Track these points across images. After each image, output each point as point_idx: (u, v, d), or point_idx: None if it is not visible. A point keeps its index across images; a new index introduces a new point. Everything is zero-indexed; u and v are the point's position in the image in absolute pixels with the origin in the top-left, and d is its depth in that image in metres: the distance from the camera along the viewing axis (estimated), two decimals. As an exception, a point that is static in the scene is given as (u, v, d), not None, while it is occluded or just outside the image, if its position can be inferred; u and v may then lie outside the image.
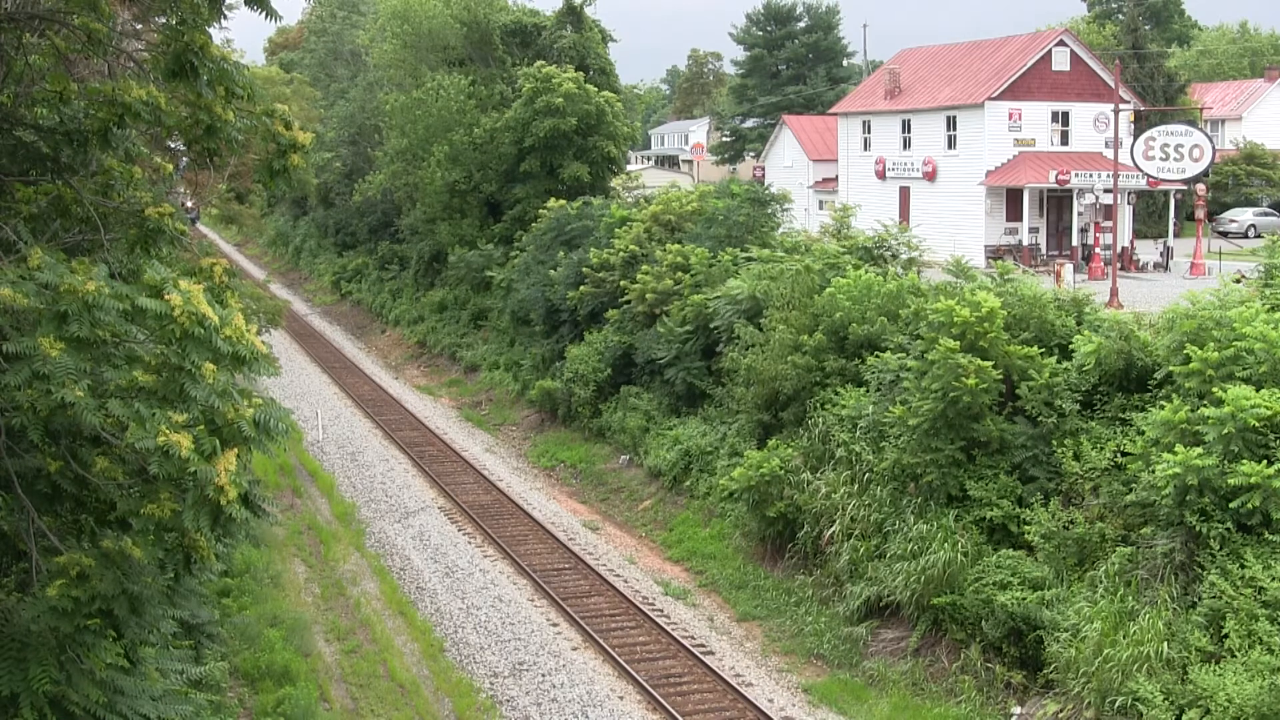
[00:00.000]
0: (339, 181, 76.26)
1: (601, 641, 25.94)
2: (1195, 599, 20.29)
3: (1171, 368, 22.66)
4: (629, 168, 66.23)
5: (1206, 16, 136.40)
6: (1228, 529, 20.02)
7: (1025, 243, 48.48)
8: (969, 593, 23.29)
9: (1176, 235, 50.63)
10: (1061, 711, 20.85)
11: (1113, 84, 42.73)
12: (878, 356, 28.49)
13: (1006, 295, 26.28)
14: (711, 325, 36.14)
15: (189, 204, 68.47)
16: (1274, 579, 19.07)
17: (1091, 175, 46.37)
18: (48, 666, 11.00)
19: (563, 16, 61.78)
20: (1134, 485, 21.78)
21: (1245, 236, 56.96)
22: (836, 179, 61.57)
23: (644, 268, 40.59)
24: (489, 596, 29.22)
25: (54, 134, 12.73)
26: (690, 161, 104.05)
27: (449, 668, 25.36)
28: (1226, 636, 19.26)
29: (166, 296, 10.28)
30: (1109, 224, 44.27)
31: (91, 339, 10.21)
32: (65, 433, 11.06)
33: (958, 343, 24.23)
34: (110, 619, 10.98)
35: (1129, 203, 49.48)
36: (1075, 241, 47.84)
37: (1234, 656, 18.89)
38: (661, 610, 27.99)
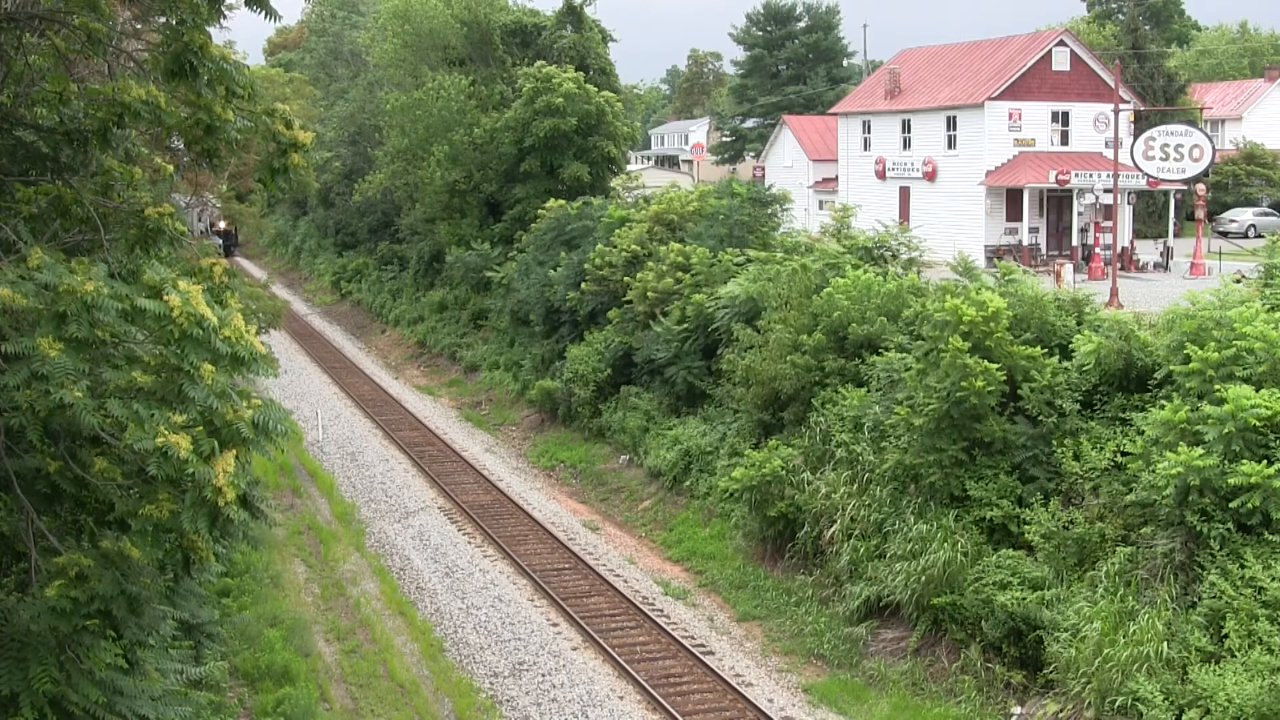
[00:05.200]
0: (339, 181, 76.30)
1: (601, 641, 25.94)
2: (1195, 599, 20.29)
3: (1171, 368, 22.66)
4: (629, 168, 66.22)
5: (1206, 16, 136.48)
6: (1228, 529, 20.01)
7: (1025, 243, 48.48)
8: (969, 593, 23.28)
9: (1176, 235, 50.62)
10: (1061, 711, 20.85)
11: (1113, 84, 42.72)
12: (880, 355, 28.48)
13: (1009, 295, 26.28)
14: (711, 326, 36.14)
15: (222, 225, 66.60)
16: (1274, 579, 19.07)
17: (1091, 175, 46.36)
18: (48, 666, 11.00)
19: (563, 16, 61.78)
20: (1134, 485, 21.77)
21: (1245, 236, 56.96)
22: (836, 179, 61.58)
23: (648, 265, 40.57)
24: (489, 596, 29.21)
25: (54, 134, 12.73)
26: (690, 161, 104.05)
27: (449, 668, 25.36)
28: (1226, 636, 19.26)
29: (165, 297, 10.28)
30: (1109, 224, 44.26)
31: (90, 339, 10.21)
32: (64, 433, 11.05)
33: (965, 344, 24.23)
34: (109, 619, 10.98)
35: (1129, 203, 49.48)
36: (1075, 241, 47.84)
37: (1234, 656, 18.88)
38: (661, 610, 27.98)
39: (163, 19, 12.39)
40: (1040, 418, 24.26)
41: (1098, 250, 44.41)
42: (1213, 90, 75.48)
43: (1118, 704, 19.63)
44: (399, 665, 25.28)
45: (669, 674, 24.58)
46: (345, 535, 34.04)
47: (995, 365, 24.10)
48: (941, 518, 24.66)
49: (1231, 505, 19.73)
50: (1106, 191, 43.64)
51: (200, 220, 61.21)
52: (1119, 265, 40.78)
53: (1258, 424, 20.05)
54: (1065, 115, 50.39)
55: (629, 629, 26.86)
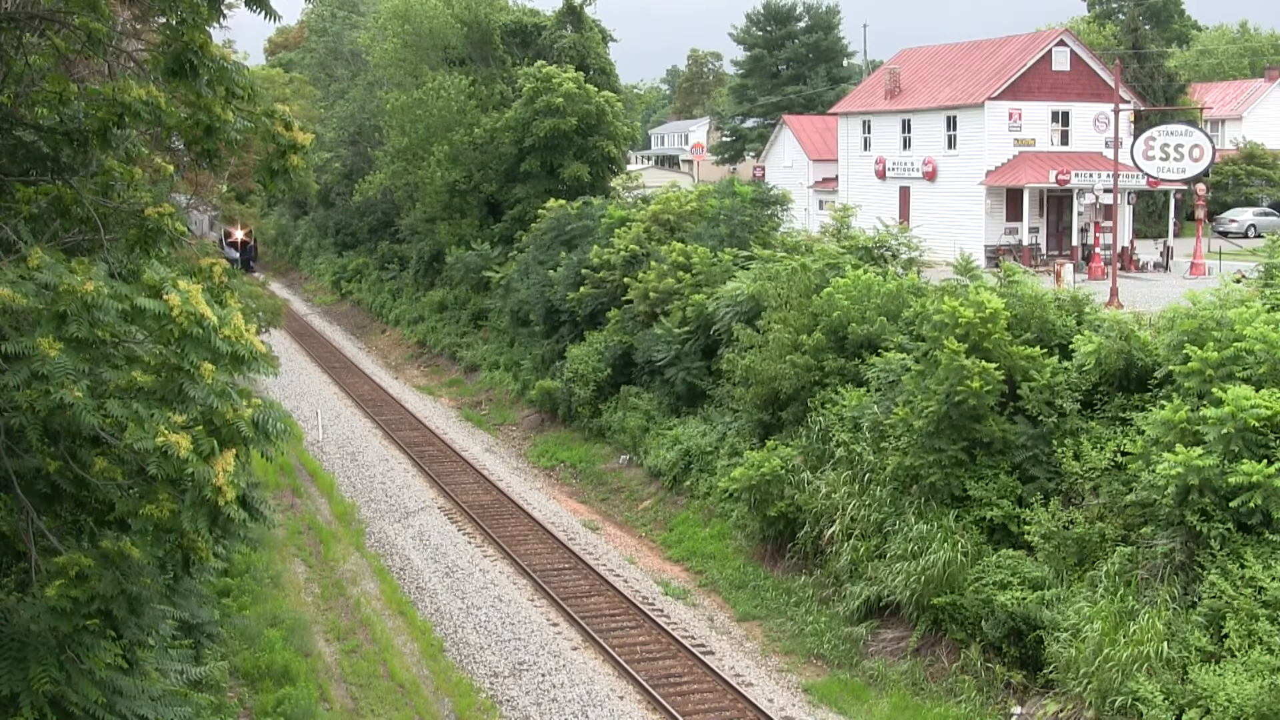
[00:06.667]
0: (339, 181, 76.29)
1: (601, 641, 25.94)
2: (1195, 599, 20.29)
3: (1171, 367, 22.66)
4: (629, 168, 66.22)
5: (1206, 16, 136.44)
6: (1228, 529, 20.01)
7: (1025, 243, 48.48)
8: (969, 593, 23.28)
9: (1176, 235, 50.63)
10: (1061, 711, 20.85)
11: (1113, 84, 42.71)
12: (879, 355, 28.48)
13: (1008, 296, 26.28)
14: (712, 326, 36.13)
15: (239, 235, 64.68)
16: (1274, 579, 19.07)
17: (1091, 175, 46.36)
18: (48, 666, 10.99)
19: (563, 16, 61.80)
20: (1134, 485, 21.77)
21: (1245, 236, 56.96)
22: (836, 179, 61.57)
23: (650, 264, 40.58)
24: (489, 596, 29.21)
25: (54, 134, 12.73)
26: (690, 161, 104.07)
27: (449, 668, 25.36)
28: (1226, 636, 19.26)
29: (165, 296, 10.27)
30: (1109, 224, 44.26)
31: (90, 339, 10.20)
32: (64, 433, 11.04)
33: (962, 345, 24.23)
34: (109, 619, 10.98)
35: (1129, 203, 49.47)
36: (1075, 241, 47.83)
37: (1234, 656, 18.89)
38: (661, 610, 27.98)
39: (163, 19, 12.38)
40: (1040, 418, 24.26)
41: (1098, 250, 44.41)
42: (1213, 90, 75.47)
43: (1118, 704, 19.63)
44: (399, 665, 25.28)
45: (669, 674, 24.59)
46: (345, 535, 34.04)
47: (994, 365, 24.10)
48: (941, 518, 24.66)
49: (1232, 505, 19.73)
50: (1106, 191, 43.64)
51: (212, 229, 59.96)
52: (1119, 265, 40.78)
53: (1257, 424, 20.04)
54: (1065, 115, 50.39)
55: (629, 629, 26.86)
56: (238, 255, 61.82)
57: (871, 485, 27.04)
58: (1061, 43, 50.74)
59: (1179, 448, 20.35)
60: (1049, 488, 23.96)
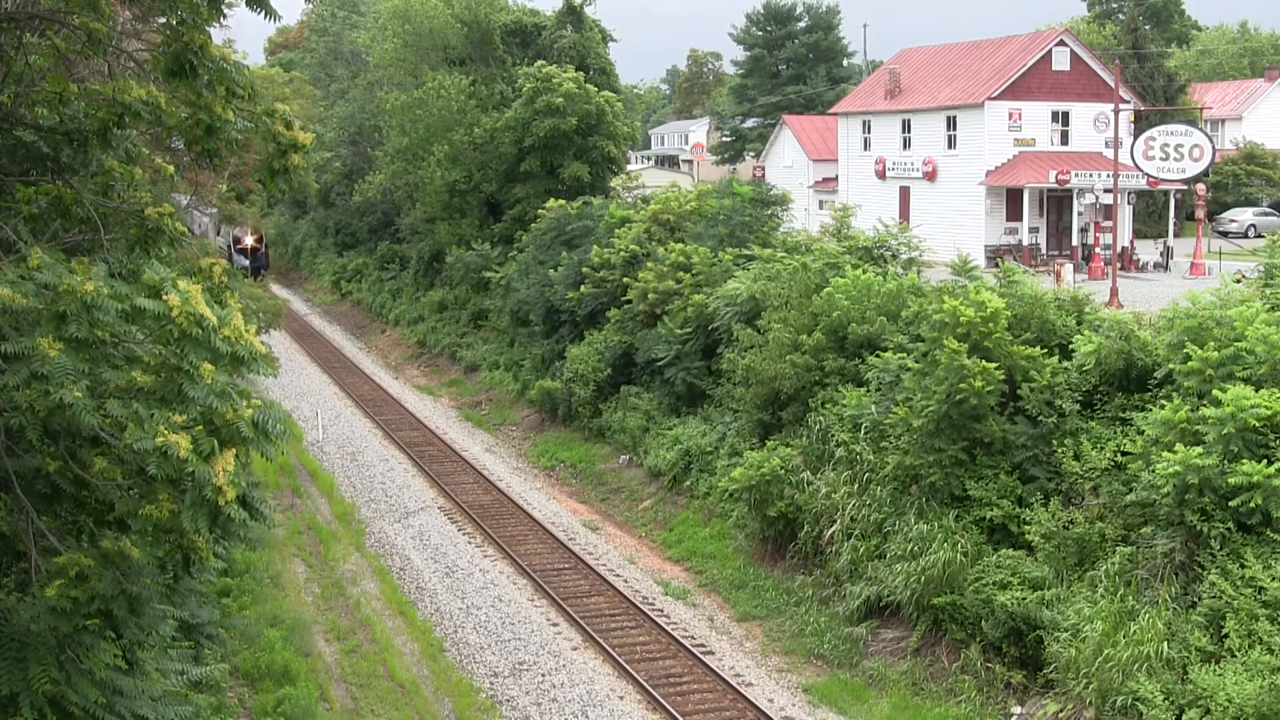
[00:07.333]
0: (339, 181, 76.29)
1: (601, 641, 25.94)
2: (1195, 599, 20.29)
3: (1171, 367, 22.66)
4: (629, 168, 66.22)
5: (1206, 16, 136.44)
6: (1228, 529, 20.01)
7: (1025, 243, 48.48)
8: (969, 593, 23.28)
9: (1176, 235, 50.64)
10: (1061, 711, 20.85)
11: (1113, 84, 42.72)
12: (879, 356, 28.48)
13: (1008, 295, 26.28)
14: (711, 326, 36.13)
15: (249, 240, 62.95)
16: (1274, 579, 19.07)
17: (1091, 175, 46.37)
18: (47, 666, 10.99)
19: (563, 16, 61.81)
20: (1134, 485, 21.77)
21: (1245, 236, 56.97)
22: (836, 179, 61.57)
23: (649, 264, 40.58)
24: (489, 596, 29.21)
25: (54, 134, 12.73)
26: (690, 161, 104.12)
27: (449, 667, 25.36)
28: (1226, 636, 19.26)
29: (165, 297, 10.27)
30: (1109, 224, 44.27)
31: (90, 339, 10.20)
32: (64, 433, 11.04)
33: (963, 344, 24.22)
34: (109, 619, 10.97)
35: (1129, 203, 49.48)
36: (1075, 241, 47.84)
37: (1234, 656, 18.89)
38: (661, 610, 27.98)
39: (163, 19, 12.38)
40: (1040, 418, 24.26)
41: (1098, 250, 44.41)
42: (1213, 90, 75.48)
43: (1118, 704, 19.64)
44: (399, 665, 25.28)
45: (669, 674, 24.59)
46: (345, 535, 34.04)
47: (994, 365, 24.10)
48: (942, 518, 24.66)
49: (1231, 505, 19.73)
50: (1106, 191, 43.64)
51: (219, 234, 59.13)
52: (1119, 265, 40.78)
53: (1257, 424, 20.05)
54: (1065, 115, 50.39)
55: (629, 629, 26.86)
56: (247, 263, 60.50)
57: (871, 485, 27.03)
58: (1061, 43, 50.74)
59: (1179, 448, 20.35)
60: (1049, 488, 23.96)
